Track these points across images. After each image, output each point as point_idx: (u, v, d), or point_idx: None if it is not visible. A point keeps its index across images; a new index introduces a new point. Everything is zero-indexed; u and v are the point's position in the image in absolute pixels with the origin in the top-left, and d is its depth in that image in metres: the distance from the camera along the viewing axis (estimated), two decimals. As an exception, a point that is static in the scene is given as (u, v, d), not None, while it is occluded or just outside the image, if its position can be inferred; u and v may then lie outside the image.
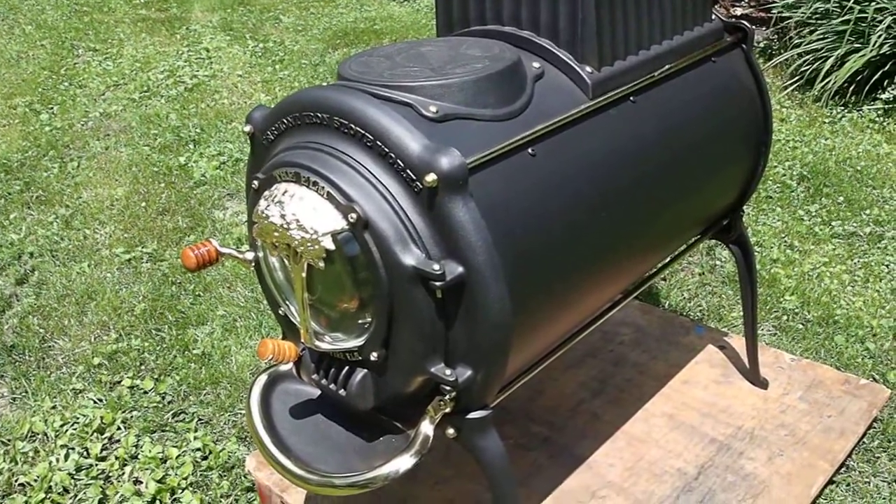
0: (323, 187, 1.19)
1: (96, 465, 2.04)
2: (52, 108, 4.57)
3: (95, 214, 3.33)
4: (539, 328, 1.32)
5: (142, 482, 1.98)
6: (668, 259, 1.72)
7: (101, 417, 2.18)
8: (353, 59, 1.38)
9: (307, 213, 1.20)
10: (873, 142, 3.35)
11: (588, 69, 1.39)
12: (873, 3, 3.54)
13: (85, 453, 2.09)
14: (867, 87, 3.57)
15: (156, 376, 2.35)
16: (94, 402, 2.26)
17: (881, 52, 3.48)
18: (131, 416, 2.21)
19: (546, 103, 1.33)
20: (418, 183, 1.15)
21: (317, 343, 1.31)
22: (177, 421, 2.19)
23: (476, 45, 1.40)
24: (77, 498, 1.96)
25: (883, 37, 3.45)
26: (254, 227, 1.29)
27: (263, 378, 1.48)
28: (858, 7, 3.55)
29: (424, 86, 1.23)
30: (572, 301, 1.37)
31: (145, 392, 2.30)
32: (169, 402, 2.26)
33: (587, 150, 1.35)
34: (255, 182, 1.31)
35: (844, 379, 1.99)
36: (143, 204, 3.39)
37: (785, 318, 2.36)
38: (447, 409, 1.27)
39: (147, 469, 2.01)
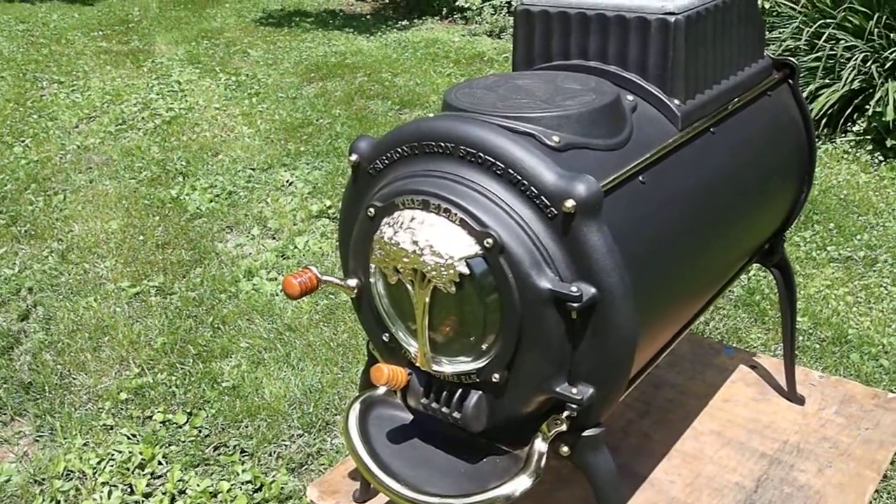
0: (455, 214, 1.23)
1: (144, 501, 2.01)
2: (23, 140, 4.48)
3: (92, 248, 3.27)
4: (648, 344, 1.38)
5: (195, 517, 1.96)
6: (725, 283, 1.80)
7: (140, 453, 2.14)
8: (458, 90, 1.44)
9: (440, 238, 1.24)
10: (851, 171, 3.55)
11: (676, 102, 1.47)
12: (842, 42, 3.77)
13: (129, 490, 2.05)
14: (841, 121, 3.78)
15: (188, 410, 2.32)
16: (129, 438, 2.22)
17: (852, 87, 3.70)
18: (170, 451, 2.17)
19: (644, 134, 1.40)
20: (552, 209, 1.20)
21: (434, 366, 1.34)
22: (219, 454, 2.16)
23: (570, 78, 1.47)
24: (129, 535, 1.92)
25: (853, 73, 3.67)
26: (375, 254, 1.32)
27: (357, 406, 1.50)
28: (829, 45, 3.77)
29: (544, 116, 1.29)
30: (672, 321, 1.44)
31: (179, 426, 2.27)
32: (206, 436, 2.23)
33: (682, 179, 1.43)
34: (372, 210, 1.34)
35: (873, 394, 2.11)
36: (141, 237, 3.35)
37: (801, 338, 2.47)
38: (563, 428, 1.31)
39: (199, 503, 1.98)
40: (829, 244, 3.00)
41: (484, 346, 1.30)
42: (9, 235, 3.40)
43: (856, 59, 3.69)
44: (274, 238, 3.34)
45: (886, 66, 3.68)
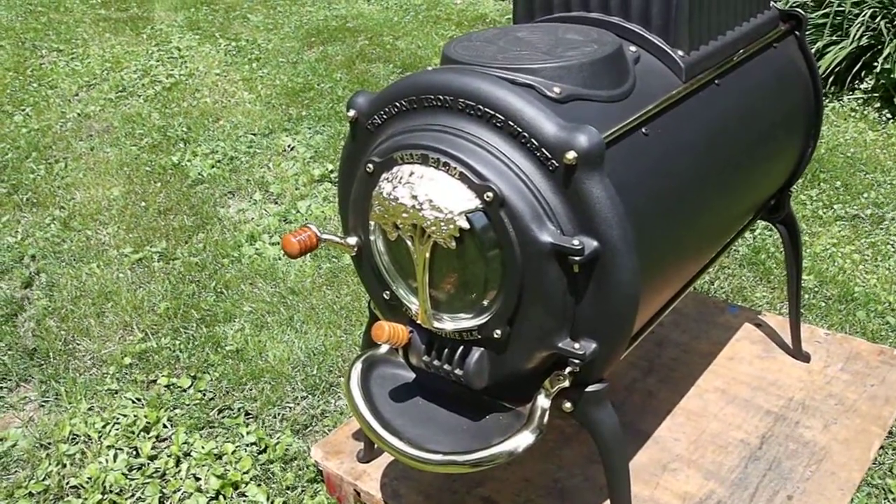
0: (455, 168, 1.21)
1: (149, 463, 2.01)
2: (24, 109, 4.44)
3: (94, 215, 3.26)
4: (650, 300, 1.37)
5: (200, 478, 1.96)
6: (729, 240, 1.78)
7: (145, 416, 2.14)
8: (457, 44, 1.41)
9: (440, 193, 1.22)
10: (858, 129, 3.51)
11: (680, 53, 1.43)
12: (850, -2, 3.71)
13: (134, 453, 2.05)
14: (848, 78, 3.73)
15: (192, 374, 2.32)
16: (133, 402, 2.23)
17: (860, 44, 3.64)
18: (175, 414, 2.18)
19: (647, 85, 1.37)
20: (554, 161, 1.18)
21: (435, 323, 1.33)
22: (223, 417, 2.17)
23: (571, 30, 1.44)
24: (135, 497, 1.93)
25: (861, 29, 3.61)
26: (374, 210, 1.30)
27: (360, 365, 1.49)
28: (837, 1, 3.71)
29: (545, 68, 1.27)
30: (675, 275, 1.42)
31: (184, 390, 2.27)
32: (210, 399, 2.24)
33: (685, 131, 1.40)
34: (370, 165, 1.32)
35: (879, 350, 2.09)
36: (143, 204, 3.33)
37: (807, 296, 2.46)
38: (565, 384, 1.30)
39: (204, 465, 1.99)
40: (835, 202, 2.97)
41: (485, 302, 1.28)
42: (11, 204, 3.39)
43: (864, 15, 3.62)
44: (276, 203, 3.33)
45: (895, 22, 3.62)
